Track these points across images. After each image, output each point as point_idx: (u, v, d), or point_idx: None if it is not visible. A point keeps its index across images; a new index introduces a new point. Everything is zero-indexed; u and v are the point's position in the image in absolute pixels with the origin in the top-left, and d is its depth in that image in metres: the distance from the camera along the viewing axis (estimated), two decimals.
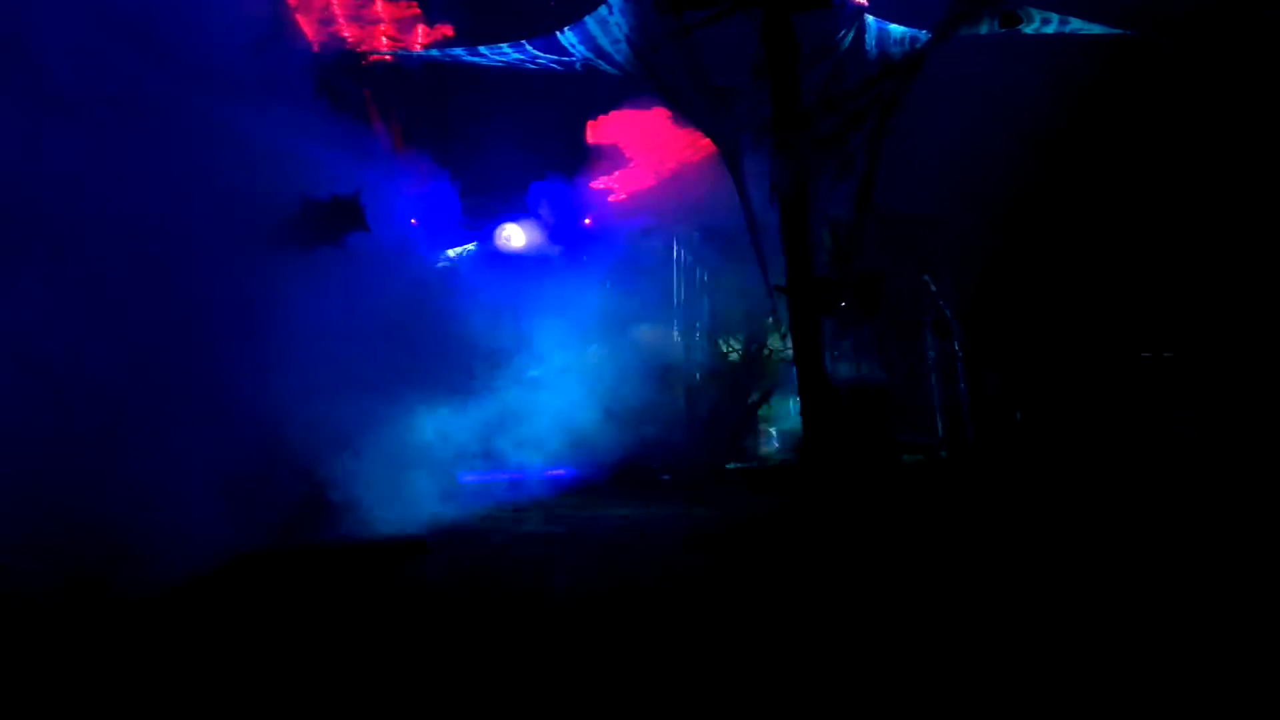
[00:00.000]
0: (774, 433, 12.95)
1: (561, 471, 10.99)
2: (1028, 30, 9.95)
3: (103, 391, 7.15)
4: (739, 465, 12.26)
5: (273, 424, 7.98)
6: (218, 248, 8.08)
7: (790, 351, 9.51)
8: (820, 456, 9.13)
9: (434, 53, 10.13)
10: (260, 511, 7.51)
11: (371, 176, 9.92)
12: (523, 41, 10.05)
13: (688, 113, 9.58)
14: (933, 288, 11.89)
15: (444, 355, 9.71)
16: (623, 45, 9.53)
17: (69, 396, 7.01)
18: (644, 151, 12.77)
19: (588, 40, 9.71)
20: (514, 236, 12.58)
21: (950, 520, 8.19)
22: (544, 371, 10.97)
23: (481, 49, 10.27)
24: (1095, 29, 10.16)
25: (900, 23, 10.12)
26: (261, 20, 8.76)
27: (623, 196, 12.83)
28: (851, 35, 9.83)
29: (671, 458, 11.67)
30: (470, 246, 12.37)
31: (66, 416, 6.95)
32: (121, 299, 7.36)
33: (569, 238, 12.64)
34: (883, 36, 10.02)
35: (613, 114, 12.44)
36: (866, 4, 9.85)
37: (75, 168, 7.36)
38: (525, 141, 12.17)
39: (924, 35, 9.89)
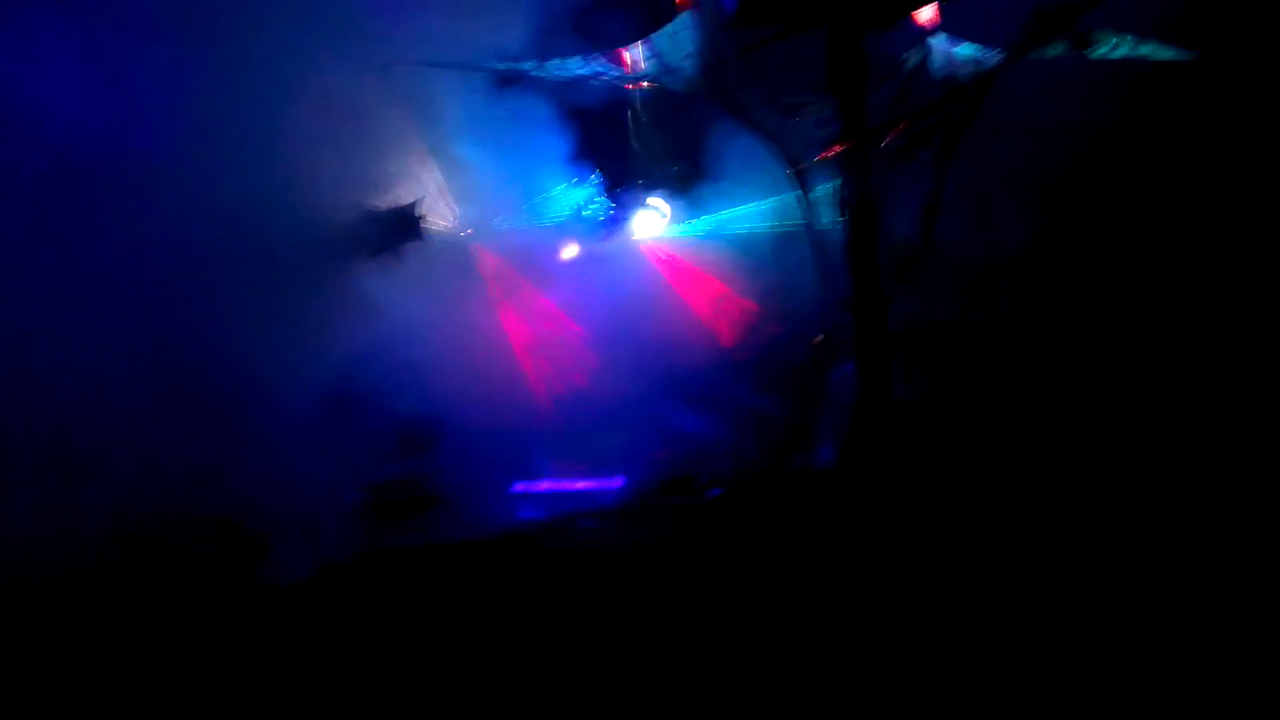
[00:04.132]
0: None
1: (616, 482, 10.76)
2: (1098, 54, 9.85)
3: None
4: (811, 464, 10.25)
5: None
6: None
7: None
8: (875, 485, 9.00)
9: (499, 65, 10.09)
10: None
11: None
12: (590, 57, 10.05)
13: (755, 128, 9.54)
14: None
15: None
16: (691, 61, 9.53)
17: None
18: None
19: (655, 56, 9.72)
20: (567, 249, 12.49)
21: None
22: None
23: (546, 64, 10.26)
24: (1168, 54, 10.04)
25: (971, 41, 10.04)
26: None
27: None
28: (919, 55, 9.78)
29: (720, 461, 10.62)
30: None
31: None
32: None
33: None
34: (951, 57, 9.96)
35: None
36: (936, 23, 9.80)
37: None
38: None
39: (992, 56, 9.82)
